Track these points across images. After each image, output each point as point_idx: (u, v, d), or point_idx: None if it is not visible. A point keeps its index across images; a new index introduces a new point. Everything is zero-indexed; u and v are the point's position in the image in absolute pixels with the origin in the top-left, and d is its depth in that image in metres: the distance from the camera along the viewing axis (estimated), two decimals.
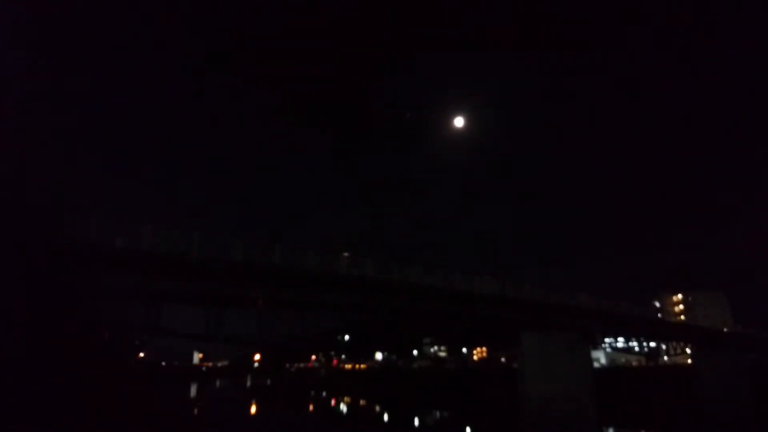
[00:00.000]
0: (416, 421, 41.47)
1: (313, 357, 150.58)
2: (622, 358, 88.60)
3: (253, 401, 62.10)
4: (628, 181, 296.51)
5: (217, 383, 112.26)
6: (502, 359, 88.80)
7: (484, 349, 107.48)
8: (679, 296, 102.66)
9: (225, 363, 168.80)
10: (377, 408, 52.90)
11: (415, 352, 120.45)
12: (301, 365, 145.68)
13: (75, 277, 16.96)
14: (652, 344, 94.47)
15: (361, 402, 61.02)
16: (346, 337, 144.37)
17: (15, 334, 13.85)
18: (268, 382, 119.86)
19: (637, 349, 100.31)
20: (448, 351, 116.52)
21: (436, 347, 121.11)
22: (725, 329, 62.06)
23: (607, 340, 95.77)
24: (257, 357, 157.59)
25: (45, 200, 16.55)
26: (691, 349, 64.40)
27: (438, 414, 47.20)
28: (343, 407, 55.51)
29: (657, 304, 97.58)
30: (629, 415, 40.03)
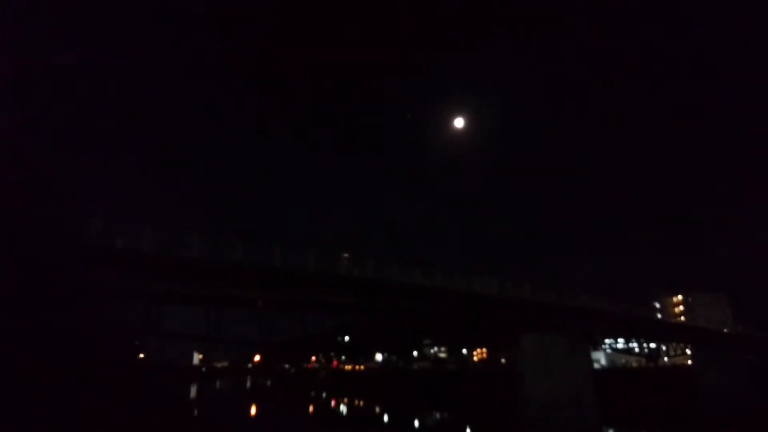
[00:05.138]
0: (416, 422, 41.43)
1: (313, 358, 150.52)
2: (622, 359, 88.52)
3: (253, 402, 62.03)
4: (628, 182, 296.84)
5: (217, 384, 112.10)
6: (502, 360, 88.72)
7: (484, 350, 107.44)
8: (679, 297, 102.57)
9: (225, 364, 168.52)
10: (377, 409, 52.84)
11: (415, 353, 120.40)
12: (302, 366, 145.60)
13: (75, 277, 16.97)
14: (652, 345, 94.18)
15: (361, 403, 60.95)
16: (346, 338, 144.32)
17: (14, 334, 13.85)
18: (268, 382, 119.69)
19: (637, 350, 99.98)
20: (448, 352, 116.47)
21: (436, 348, 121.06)
22: (725, 330, 62.06)
23: (607, 341, 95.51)
24: (257, 358, 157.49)
25: (45, 200, 16.56)
26: (691, 350, 64.35)
27: (438, 415, 47.15)
28: (343, 408, 55.45)
29: (657, 305, 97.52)
30: (629, 416, 39.99)
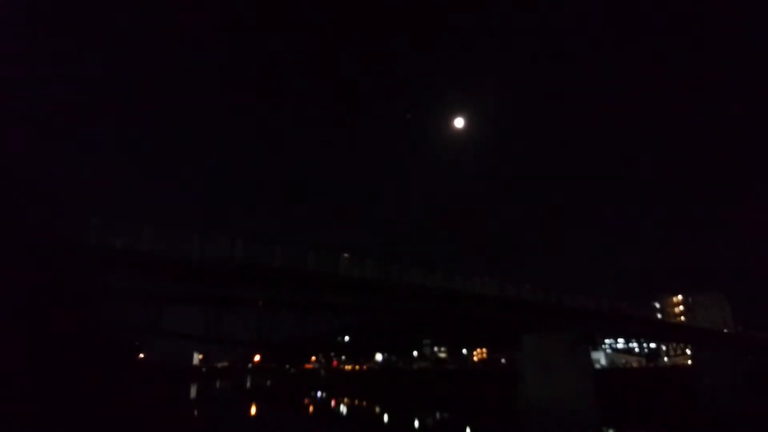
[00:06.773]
0: (416, 423, 41.41)
1: (313, 358, 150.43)
2: (623, 359, 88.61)
3: (253, 402, 62.02)
4: (628, 182, 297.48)
5: (217, 384, 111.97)
6: (502, 360, 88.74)
7: (484, 350, 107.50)
8: (679, 297, 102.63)
9: (225, 364, 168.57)
10: (377, 409, 52.82)
11: (415, 353, 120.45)
12: (302, 366, 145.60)
13: (75, 277, 16.97)
14: (653, 345, 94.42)
15: (362, 403, 60.93)
16: (346, 338, 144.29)
17: (15, 334, 13.85)
18: (268, 383, 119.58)
19: (637, 350, 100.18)
20: (448, 352, 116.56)
21: (436, 348, 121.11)
22: (725, 330, 62.16)
23: (607, 341, 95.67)
24: (257, 358, 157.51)
25: (45, 200, 16.56)
26: (691, 350, 64.39)
27: (438, 415, 47.12)
28: (343, 408, 55.44)
29: (657, 305, 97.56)
30: (630, 416, 39.97)
